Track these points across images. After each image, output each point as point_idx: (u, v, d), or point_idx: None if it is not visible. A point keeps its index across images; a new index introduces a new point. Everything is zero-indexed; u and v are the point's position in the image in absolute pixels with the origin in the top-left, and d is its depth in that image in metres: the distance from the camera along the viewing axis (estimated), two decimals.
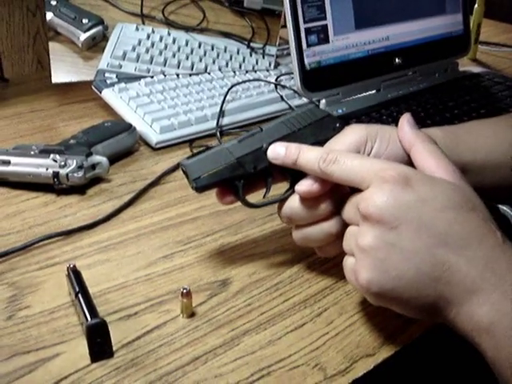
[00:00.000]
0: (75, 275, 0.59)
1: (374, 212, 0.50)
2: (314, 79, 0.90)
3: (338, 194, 0.59)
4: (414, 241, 0.49)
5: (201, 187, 0.60)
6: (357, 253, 0.52)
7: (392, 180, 0.50)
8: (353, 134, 0.60)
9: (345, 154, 0.56)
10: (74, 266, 0.60)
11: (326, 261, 0.66)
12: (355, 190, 0.55)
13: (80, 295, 0.56)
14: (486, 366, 0.49)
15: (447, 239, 0.49)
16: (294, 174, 0.60)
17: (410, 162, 0.59)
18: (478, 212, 0.51)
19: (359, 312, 0.59)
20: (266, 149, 0.61)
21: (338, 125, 0.63)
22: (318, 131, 0.63)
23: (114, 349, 0.54)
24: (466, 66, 1.15)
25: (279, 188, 0.63)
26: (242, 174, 0.60)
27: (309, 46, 0.88)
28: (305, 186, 0.58)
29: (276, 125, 0.62)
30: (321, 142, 0.61)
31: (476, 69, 1.14)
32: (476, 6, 1.27)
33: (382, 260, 0.50)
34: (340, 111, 0.92)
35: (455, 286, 0.48)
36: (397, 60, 0.98)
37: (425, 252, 0.49)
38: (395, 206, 0.50)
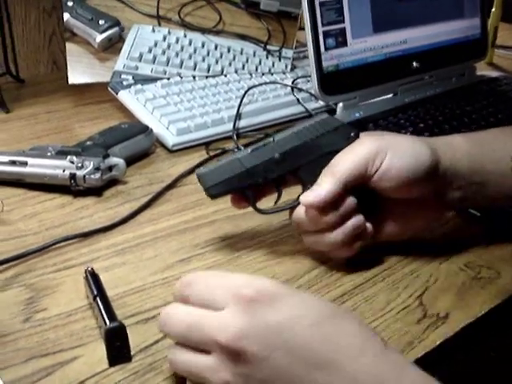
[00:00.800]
0: (93, 278, 0.59)
1: (231, 345, 0.43)
2: (332, 83, 0.89)
3: (342, 205, 0.60)
4: (290, 372, 0.43)
5: (213, 195, 0.64)
6: None
7: (249, 300, 0.44)
8: (362, 147, 0.61)
9: (203, 274, 0.50)
10: (92, 269, 0.60)
11: (345, 266, 0.65)
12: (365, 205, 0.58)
13: (98, 298, 0.56)
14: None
15: (325, 360, 0.43)
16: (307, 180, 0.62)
17: (426, 174, 0.58)
18: (351, 316, 0.47)
19: (378, 318, 0.59)
20: (278, 159, 0.62)
21: (352, 134, 0.64)
22: (331, 141, 0.63)
23: (132, 353, 0.54)
24: (482, 70, 1.14)
25: (293, 192, 0.64)
26: (251, 184, 0.63)
27: (327, 49, 0.87)
28: (307, 197, 0.60)
29: (288, 135, 0.64)
30: (334, 153, 0.62)
31: (493, 73, 1.14)
32: (493, 9, 1.26)
33: None
34: (357, 115, 0.92)
35: None
36: (414, 64, 0.98)
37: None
38: (255, 333, 0.43)
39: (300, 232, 0.64)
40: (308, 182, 0.62)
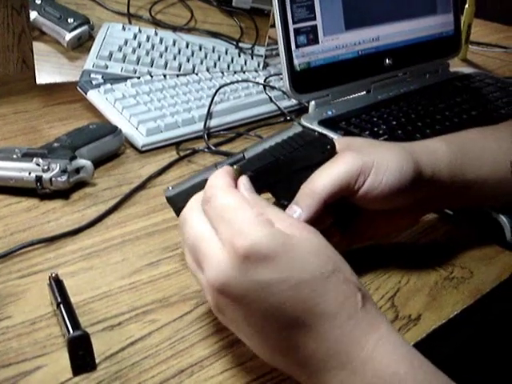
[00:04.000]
0: (57, 285, 0.57)
1: (215, 286, 0.47)
2: (304, 80, 0.88)
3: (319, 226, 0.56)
4: (262, 324, 0.47)
5: None
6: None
7: (241, 255, 0.45)
8: (346, 164, 0.57)
9: (224, 196, 0.50)
10: (57, 275, 0.59)
11: None
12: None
13: (62, 306, 0.54)
14: None
15: (297, 321, 0.46)
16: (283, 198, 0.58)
17: (409, 187, 0.58)
18: (337, 274, 0.47)
19: None
20: (249, 177, 0.55)
21: (328, 147, 0.60)
22: (307, 156, 0.59)
23: (97, 361, 0.52)
24: (456, 66, 1.14)
25: None
26: None
27: (298, 46, 0.87)
28: None
29: (260, 152, 0.59)
30: (310, 167, 0.58)
31: (467, 69, 1.13)
32: (466, 6, 1.26)
33: (232, 323, 0.50)
34: (330, 113, 0.91)
35: (304, 365, 0.47)
36: (387, 61, 0.97)
37: (273, 336, 0.47)
38: (238, 288, 0.46)
39: None
40: (284, 200, 0.58)
